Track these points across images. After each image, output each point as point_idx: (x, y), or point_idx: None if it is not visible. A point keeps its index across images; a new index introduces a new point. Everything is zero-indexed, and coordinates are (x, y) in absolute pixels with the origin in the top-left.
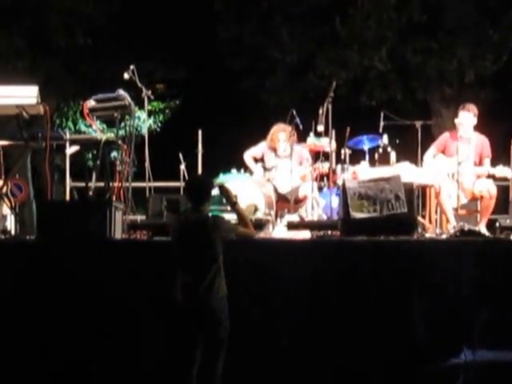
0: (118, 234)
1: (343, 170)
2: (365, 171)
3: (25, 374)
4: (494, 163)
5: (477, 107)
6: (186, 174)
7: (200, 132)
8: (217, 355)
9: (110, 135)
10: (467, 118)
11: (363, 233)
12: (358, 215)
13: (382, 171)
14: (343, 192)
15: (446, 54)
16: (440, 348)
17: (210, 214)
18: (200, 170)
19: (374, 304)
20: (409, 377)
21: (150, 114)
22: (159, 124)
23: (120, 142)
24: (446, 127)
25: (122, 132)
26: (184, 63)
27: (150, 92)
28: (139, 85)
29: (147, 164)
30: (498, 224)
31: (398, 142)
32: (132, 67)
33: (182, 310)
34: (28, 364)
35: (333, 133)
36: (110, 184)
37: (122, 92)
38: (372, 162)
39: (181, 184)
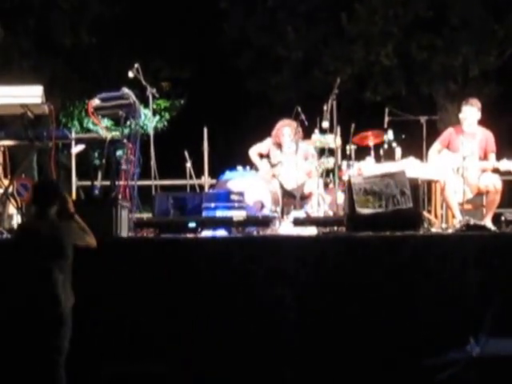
0: (125, 232)
1: (349, 166)
2: (370, 167)
3: None
4: (498, 157)
5: (481, 102)
6: (192, 172)
7: (205, 130)
8: (55, 362)
9: (116, 134)
10: (471, 112)
11: (369, 228)
12: (363, 211)
13: (387, 167)
14: (349, 188)
15: (450, 50)
16: (446, 341)
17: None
18: (206, 168)
19: (380, 298)
20: (415, 370)
21: (155, 112)
22: (165, 122)
23: (125, 140)
24: (451, 122)
25: (127, 130)
26: (189, 62)
27: (154, 90)
28: (144, 83)
29: (153, 162)
30: (503, 218)
31: (403, 137)
32: (136, 66)
33: (26, 315)
34: None
35: (338, 129)
36: (116, 183)
37: (126, 90)
38: (377, 158)
39: (187, 182)
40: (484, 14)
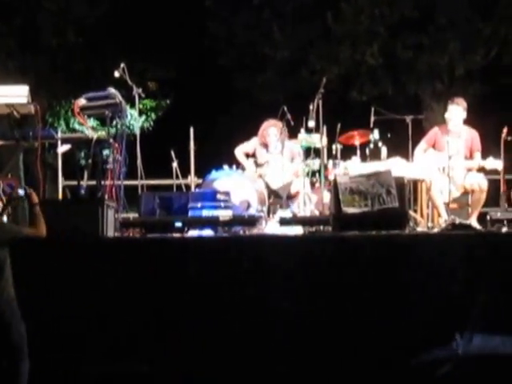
0: (111, 232)
1: (335, 165)
2: (356, 166)
3: None
4: (484, 156)
5: (467, 101)
6: (178, 172)
7: (192, 129)
8: (15, 362)
9: (102, 133)
10: (456, 111)
11: (355, 228)
12: (349, 210)
13: (373, 166)
14: (334, 187)
15: (436, 49)
16: (434, 339)
17: None
18: (192, 167)
19: (367, 297)
20: (401, 367)
21: (141, 112)
22: (151, 122)
23: (111, 140)
24: (437, 121)
25: (113, 130)
26: (175, 61)
27: (140, 90)
28: (130, 83)
29: (139, 162)
30: (488, 217)
31: (389, 136)
32: (122, 65)
33: None
34: None
35: (324, 129)
36: (102, 182)
37: (112, 90)
38: (363, 158)
39: (173, 182)
40: (470, 13)
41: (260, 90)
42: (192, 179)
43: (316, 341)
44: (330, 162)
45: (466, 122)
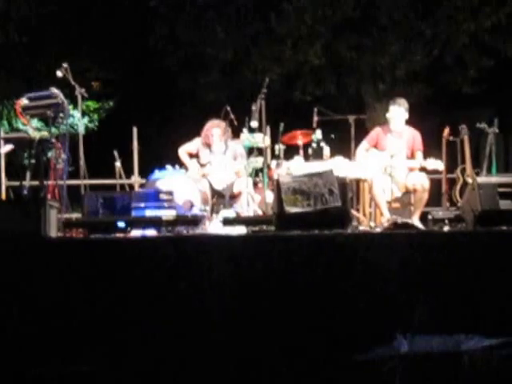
0: (53, 232)
1: (278, 165)
2: (299, 166)
3: None
4: (426, 156)
5: (409, 101)
6: (121, 172)
7: (135, 129)
8: None
9: (44, 133)
10: (398, 112)
11: (297, 227)
12: (292, 210)
13: (315, 166)
14: (277, 187)
15: (378, 50)
16: (375, 338)
17: None
18: (136, 167)
19: (310, 297)
20: (341, 367)
21: (84, 113)
22: (95, 122)
23: (54, 140)
24: (379, 121)
25: (56, 130)
26: (119, 62)
27: (83, 90)
28: (72, 83)
29: (82, 162)
30: (430, 216)
31: (333, 136)
32: (65, 65)
33: None
34: None
35: (267, 128)
36: (45, 182)
37: (55, 90)
38: (306, 157)
39: (117, 182)
40: (411, 13)
41: (203, 90)
42: (135, 179)
43: (258, 340)
44: (273, 161)
45: (408, 121)
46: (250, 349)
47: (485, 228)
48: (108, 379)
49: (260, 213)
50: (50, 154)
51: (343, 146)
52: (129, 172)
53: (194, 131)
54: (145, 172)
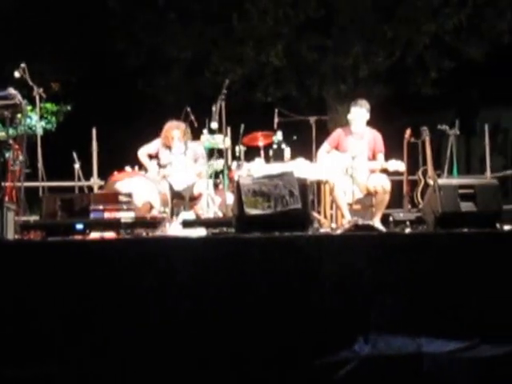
0: (10, 234)
1: (238, 166)
2: (259, 168)
3: None
4: (388, 158)
5: (371, 102)
6: (80, 174)
7: (94, 131)
8: None
9: (1, 134)
10: (359, 113)
11: (258, 229)
12: (252, 212)
13: (276, 168)
14: (237, 189)
15: (340, 51)
16: (337, 341)
17: None
18: (95, 169)
19: (270, 299)
20: (305, 368)
21: (42, 116)
22: (54, 124)
23: (12, 141)
24: (341, 123)
25: (13, 131)
26: (79, 63)
27: (41, 90)
28: (30, 83)
29: (40, 164)
30: (391, 218)
31: (295, 138)
32: (23, 65)
33: None
34: None
35: (228, 130)
36: (2, 184)
37: (12, 91)
38: (266, 159)
39: (76, 184)
40: (373, 14)
41: (164, 92)
42: (95, 181)
43: (218, 342)
44: (234, 163)
45: (370, 123)
46: (209, 351)
47: (445, 230)
48: (72, 380)
49: (220, 215)
50: (7, 156)
51: (304, 148)
52: (88, 174)
53: (155, 132)
54: (104, 174)
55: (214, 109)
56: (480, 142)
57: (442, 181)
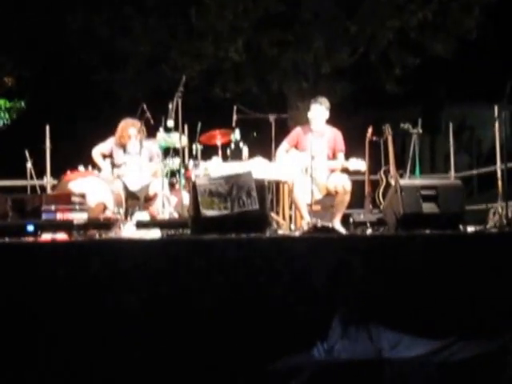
0: None
1: (195, 166)
2: (217, 167)
3: None
4: (348, 157)
5: (333, 100)
6: (33, 172)
7: (48, 128)
8: None
9: None
10: (319, 111)
11: (214, 231)
12: (208, 213)
13: (234, 167)
14: (193, 189)
15: (301, 46)
16: (294, 346)
17: None
18: (48, 168)
19: (226, 301)
20: (258, 373)
21: None
22: (5, 121)
23: None
24: (302, 121)
25: None
26: (33, 58)
27: None
28: None
29: None
30: (351, 219)
31: (255, 134)
32: None
33: None
34: None
35: (185, 128)
36: None
37: None
38: (224, 158)
39: (28, 183)
40: (336, 10)
41: (120, 87)
42: (48, 180)
43: (169, 346)
44: (191, 162)
45: (331, 121)
46: (161, 354)
47: (407, 232)
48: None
49: (176, 215)
50: None
51: (264, 146)
52: (41, 173)
53: (110, 130)
54: (58, 173)
55: (170, 106)
56: (445, 140)
57: (403, 181)
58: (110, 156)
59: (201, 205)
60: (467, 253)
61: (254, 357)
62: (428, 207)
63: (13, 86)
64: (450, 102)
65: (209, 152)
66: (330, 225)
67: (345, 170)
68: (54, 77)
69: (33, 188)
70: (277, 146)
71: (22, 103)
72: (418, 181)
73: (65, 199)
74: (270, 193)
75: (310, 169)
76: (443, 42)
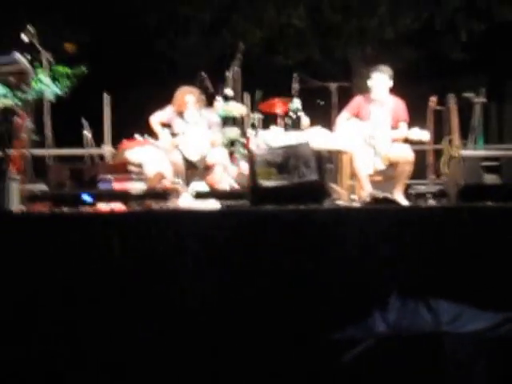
0: (16, 206)
1: (254, 135)
2: (277, 136)
3: None
4: (411, 127)
5: (397, 67)
6: (91, 141)
7: (106, 96)
8: None
9: (7, 101)
10: (381, 79)
11: (272, 202)
12: (266, 183)
13: (293, 136)
14: (250, 160)
15: (365, 12)
16: (351, 316)
17: None
18: (107, 136)
19: (283, 272)
20: (319, 343)
21: (55, 79)
22: (66, 89)
23: (19, 108)
24: (367, 88)
25: (20, 98)
26: (91, 25)
27: (49, 55)
28: (38, 47)
29: (49, 131)
30: (412, 191)
31: (321, 102)
32: (30, 28)
33: None
34: None
35: (245, 96)
36: (8, 153)
37: (17, 55)
38: (285, 127)
39: (86, 151)
40: None
41: (181, 54)
42: (107, 149)
43: (232, 316)
44: (250, 131)
45: (393, 89)
46: (220, 327)
47: (467, 203)
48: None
49: (236, 186)
50: (14, 123)
51: (326, 116)
52: (100, 141)
53: (170, 99)
54: (116, 142)
55: (227, 75)
56: None
57: (465, 152)
58: (169, 125)
59: (258, 175)
60: None
61: (314, 327)
62: (490, 178)
63: (73, 53)
64: None
65: (269, 121)
66: (391, 196)
67: (407, 140)
68: (114, 43)
69: (91, 157)
70: (338, 115)
71: (84, 68)
72: (480, 152)
73: (122, 169)
74: (330, 163)
75: (372, 139)
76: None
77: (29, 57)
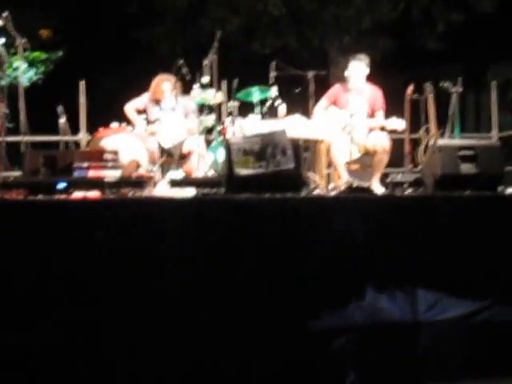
0: None
1: (231, 123)
2: (253, 124)
3: None
4: (388, 115)
5: (373, 57)
6: (67, 128)
7: (82, 83)
8: None
9: None
10: (358, 68)
11: (249, 190)
12: (242, 172)
13: (270, 124)
14: (227, 147)
15: (342, 1)
16: (329, 304)
17: None
18: (82, 123)
19: (261, 260)
20: (299, 331)
21: (31, 64)
22: (40, 75)
23: None
24: (343, 78)
25: None
26: (67, 11)
27: (24, 41)
28: (13, 33)
29: (23, 117)
30: (389, 180)
31: (297, 91)
32: (5, 14)
33: None
34: None
35: (222, 84)
36: None
37: None
38: (262, 115)
39: (61, 138)
40: None
41: (158, 42)
42: (82, 136)
43: (209, 305)
44: (227, 119)
45: (370, 78)
46: (199, 314)
47: (444, 192)
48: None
49: (211, 174)
50: None
51: (303, 104)
52: (75, 128)
53: (146, 85)
54: (91, 129)
55: (205, 62)
56: (489, 98)
57: (441, 141)
58: (145, 112)
59: (235, 163)
60: (506, 214)
61: (293, 315)
62: (466, 168)
63: (48, 39)
64: (495, 60)
65: (246, 109)
66: (367, 185)
67: (384, 129)
68: (90, 30)
69: (66, 144)
70: (316, 103)
71: (60, 53)
72: (456, 141)
73: (97, 156)
74: (307, 151)
75: (349, 127)
76: None
77: (2, 41)
